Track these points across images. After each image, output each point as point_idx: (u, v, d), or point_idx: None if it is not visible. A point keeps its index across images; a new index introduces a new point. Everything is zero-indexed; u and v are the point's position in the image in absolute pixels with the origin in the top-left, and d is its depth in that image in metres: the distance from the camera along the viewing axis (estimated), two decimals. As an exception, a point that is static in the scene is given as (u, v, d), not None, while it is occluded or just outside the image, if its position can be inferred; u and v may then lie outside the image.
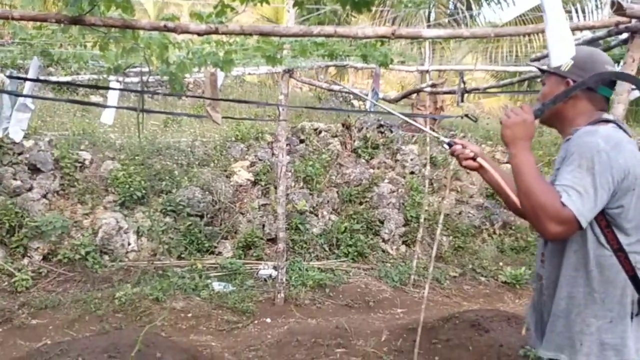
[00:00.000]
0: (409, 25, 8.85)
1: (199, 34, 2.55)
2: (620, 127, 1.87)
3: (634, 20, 2.77)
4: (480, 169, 2.09)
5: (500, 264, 7.94)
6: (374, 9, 8.88)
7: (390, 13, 9.19)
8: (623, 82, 2.40)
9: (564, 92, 1.91)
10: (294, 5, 2.14)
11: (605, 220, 1.78)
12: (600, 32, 3.18)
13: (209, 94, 3.95)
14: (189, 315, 5.73)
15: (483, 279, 7.48)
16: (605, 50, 3.44)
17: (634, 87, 3.94)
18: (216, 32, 2.48)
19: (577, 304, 1.83)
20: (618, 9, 2.60)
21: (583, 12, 9.56)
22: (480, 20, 11.33)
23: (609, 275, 1.80)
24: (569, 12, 9.81)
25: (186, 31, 2.48)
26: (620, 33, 2.98)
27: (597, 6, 10.06)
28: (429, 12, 9.83)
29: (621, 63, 3.31)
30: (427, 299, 4.91)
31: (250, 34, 2.71)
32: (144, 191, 7.04)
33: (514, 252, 8.35)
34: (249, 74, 5.98)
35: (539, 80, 7.61)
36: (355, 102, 13.70)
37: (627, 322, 1.82)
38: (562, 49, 1.60)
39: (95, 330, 5.21)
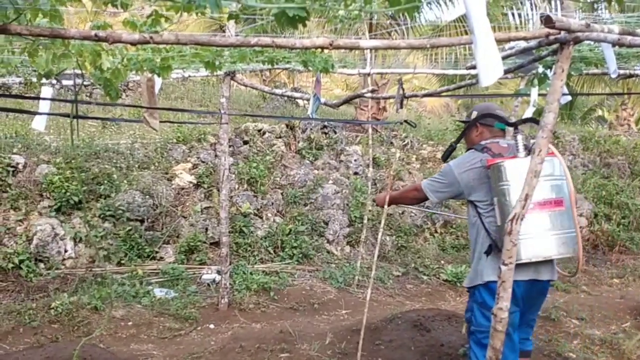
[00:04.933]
0: (351, 27, 8.90)
1: (132, 44, 2.47)
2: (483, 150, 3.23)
3: (563, 32, 2.86)
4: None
5: (442, 262, 8.10)
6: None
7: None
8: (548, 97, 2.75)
9: (462, 133, 3.50)
10: (228, 19, 2.10)
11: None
12: (532, 43, 3.26)
13: (146, 100, 3.86)
14: (129, 323, 5.60)
15: (425, 277, 7.61)
16: (537, 59, 3.55)
17: (564, 93, 4.09)
18: (150, 42, 2.41)
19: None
20: (547, 22, 2.68)
21: (520, 16, 9.83)
22: (421, 21, 11.52)
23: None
24: (504, 14, 10.08)
25: (118, 41, 2.39)
26: (550, 44, 3.07)
27: (532, 9, 10.39)
28: (371, 17, 9.90)
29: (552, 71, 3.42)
30: (371, 299, 4.96)
31: (186, 44, 2.66)
32: (81, 196, 6.81)
33: (454, 250, 8.54)
34: (189, 76, 5.87)
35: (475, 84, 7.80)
36: (301, 102, 13.69)
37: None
38: (491, 70, 1.64)
39: (29, 343, 5.00)
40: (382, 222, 4.50)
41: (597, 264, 8.52)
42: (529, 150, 3.02)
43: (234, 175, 8.05)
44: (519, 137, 3.09)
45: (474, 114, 3.40)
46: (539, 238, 2.91)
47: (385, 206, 3.89)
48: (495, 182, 3.01)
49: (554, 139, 11.05)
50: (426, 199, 3.49)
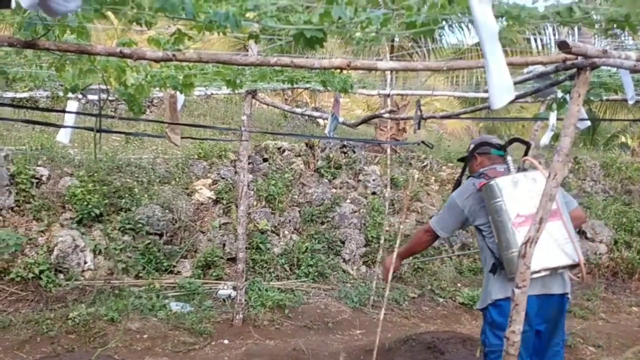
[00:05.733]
0: (372, 49, 9.01)
1: (155, 61, 2.55)
2: (480, 176, 3.37)
3: (580, 58, 2.88)
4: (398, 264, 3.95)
5: (459, 285, 8.04)
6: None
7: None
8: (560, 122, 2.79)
9: (464, 166, 3.71)
10: (248, 38, 2.17)
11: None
12: (550, 67, 3.29)
13: (168, 116, 3.95)
14: (145, 336, 5.64)
15: (441, 300, 7.56)
16: (555, 84, 3.57)
17: (582, 118, 4.11)
18: (173, 59, 2.48)
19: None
20: (563, 47, 2.70)
21: (541, 40, 9.83)
22: (443, 44, 11.55)
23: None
24: (527, 39, 10.09)
25: (142, 57, 2.47)
26: (567, 69, 3.09)
27: (554, 34, 10.37)
28: (392, 38, 10.01)
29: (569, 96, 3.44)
30: (385, 320, 4.96)
31: (208, 62, 2.73)
32: (102, 209, 6.92)
33: (471, 273, 8.47)
34: (212, 94, 5.98)
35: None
36: (321, 121, 13.77)
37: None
38: (503, 93, 1.67)
39: (46, 352, 5.08)
40: (397, 242, 4.51)
41: (616, 292, 8.38)
42: (518, 169, 3.30)
43: (252, 192, 8.12)
44: (509, 157, 3.37)
45: (471, 147, 3.64)
46: (540, 251, 2.89)
47: (391, 270, 3.98)
48: (488, 201, 3.15)
49: (574, 164, 10.97)
50: (437, 237, 3.61)
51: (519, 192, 3.05)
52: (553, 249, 3.02)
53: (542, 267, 2.98)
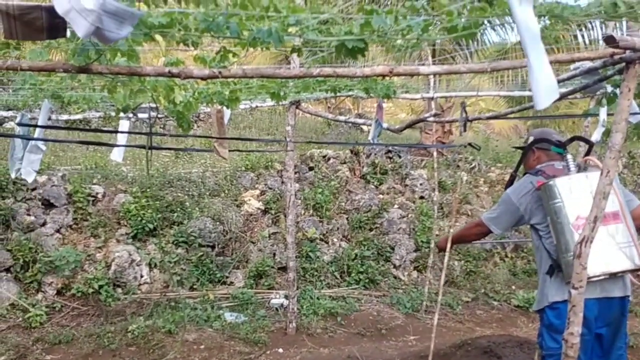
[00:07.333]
0: (413, 53, 8.97)
1: (202, 79, 2.63)
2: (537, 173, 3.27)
3: (628, 51, 2.81)
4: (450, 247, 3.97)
5: (513, 287, 7.89)
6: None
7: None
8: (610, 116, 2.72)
9: (520, 159, 3.53)
10: (291, 52, 2.21)
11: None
12: (597, 63, 3.22)
13: (215, 130, 4.04)
14: (202, 347, 5.75)
15: (496, 303, 7.43)
16: (603, 79, 3.49)
17: (634, 112, 3.99)
18: (219, 76, 2.55)
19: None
20: (610, 41, 2.64)
21: (588, 36, 9.58)
22: (485, 44, 11.39)
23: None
24: (575, 36, 9.84)
25: (190, 76, 2.54)
26: (615, 63, 3.02)
27: (602, 28, 10.09)
28: (434, 42, 9.93)
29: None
30: (439, 325, 4.91)
31: (252, 77, 2.79)
32: (155, 223, 7.12)
33: (526, 275, 8.30)
34: (257, 106, 6.07)
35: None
36: (365, 128, 13.77)
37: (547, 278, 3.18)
38: (547, 93, 1.66)
39: (108, 365, 5.25)
40: (448, 246, 4.47)
41: (682, 290, 8.05)
42: (578, 168, 3.19)
43: (300, 201, 8.18)
44: (569, 156, 3.25)
45: (530, 139, 3.49)
46: (600, 254, 2.82)
47: (448, 248, 3.98)
48: (547, 202, 3.06)
49: (629, 159, 10.62)
50: (489, 232, 3.51)
51: (580, 193, 2.94)
52: (614, 252, 2.92)
53: (602, 271, 2.90)
